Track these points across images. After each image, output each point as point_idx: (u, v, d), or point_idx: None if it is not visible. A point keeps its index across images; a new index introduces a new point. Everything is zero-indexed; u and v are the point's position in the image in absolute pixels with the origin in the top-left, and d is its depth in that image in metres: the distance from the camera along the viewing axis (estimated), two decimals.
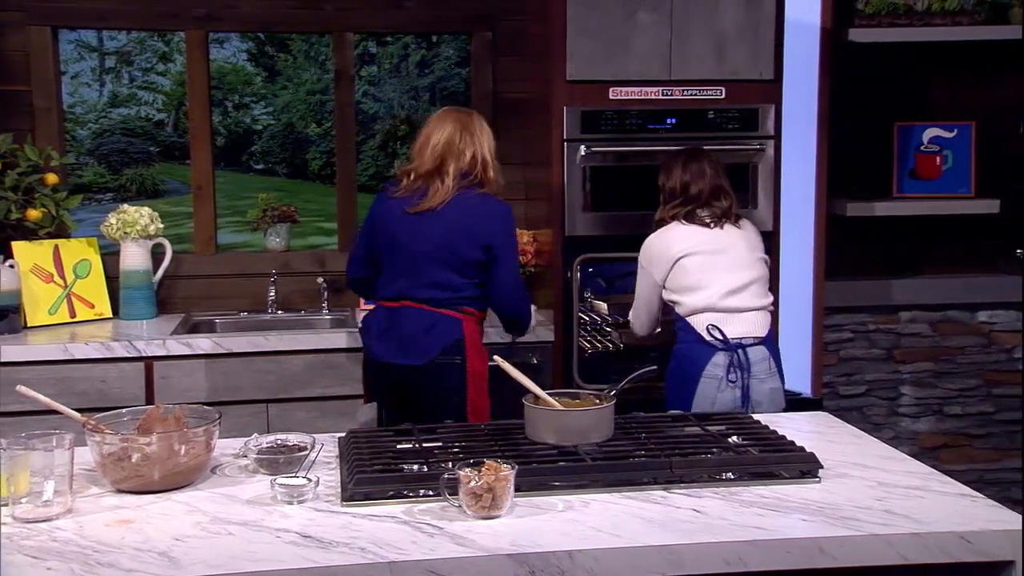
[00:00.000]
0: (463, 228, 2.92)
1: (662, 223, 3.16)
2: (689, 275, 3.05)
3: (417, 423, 2.39)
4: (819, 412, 2.78)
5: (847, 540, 1.79)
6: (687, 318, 3.04)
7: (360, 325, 3.15)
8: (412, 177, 2.99)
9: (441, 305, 2.93)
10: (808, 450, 2.13)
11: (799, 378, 3.67)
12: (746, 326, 3.01)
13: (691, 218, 3.10)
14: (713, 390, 2.94)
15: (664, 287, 3.11)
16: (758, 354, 3.00)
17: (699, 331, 3.00)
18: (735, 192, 3.18)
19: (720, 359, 2.96)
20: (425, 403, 2.91)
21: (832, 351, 4.24)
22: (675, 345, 3.09)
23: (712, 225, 3.09)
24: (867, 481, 2.07)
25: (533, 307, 3.40)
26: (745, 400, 2.95)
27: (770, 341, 3.07)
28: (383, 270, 3.02)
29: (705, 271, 3.04)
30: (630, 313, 3.28)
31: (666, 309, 3.16)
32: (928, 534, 1.81)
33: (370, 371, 3.11)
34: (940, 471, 2.15)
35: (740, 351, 2.96)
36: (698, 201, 3.10)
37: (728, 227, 3.11)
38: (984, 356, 4.33)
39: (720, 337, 2.97)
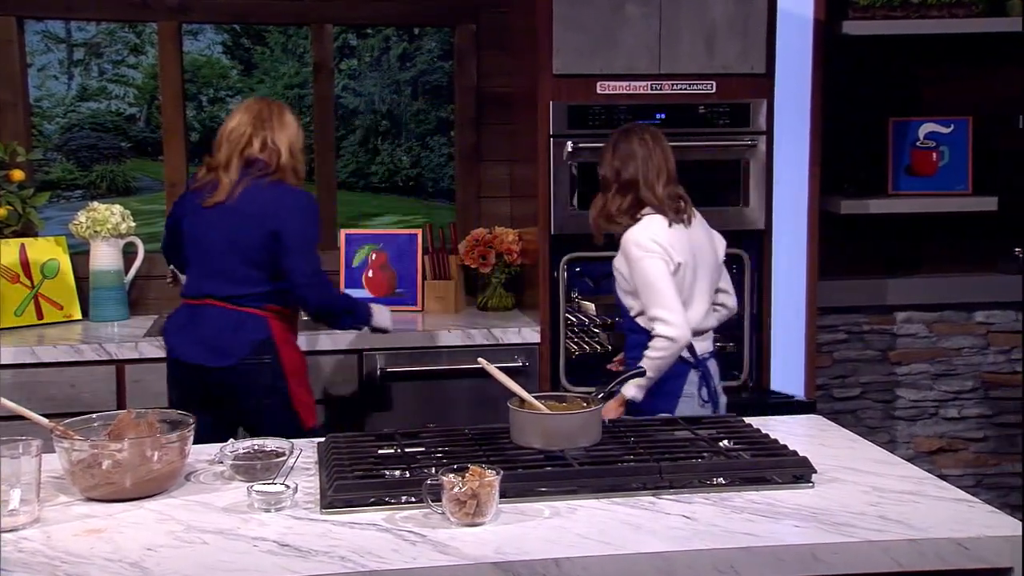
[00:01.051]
0: (250, 218, 2.88)
1: (616, 221, 2.89)
2: (681, 291, 2.84)
3: (238, 424, 2.38)
4: (812, 415, 2.78)
5: (841, 547, 1.77)
6: None
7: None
8: (206, 169, 3.00)
9: (244, 303, 2.90)
10: (801, 454, 2.10)
11: (792, 380, 3.65)
12: (707, 341, 2.95)
13: (664, 212, 2.86)
14: (690, 410, 2.85)
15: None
16: (714, 366, 2.96)
17: None
18: (688, 186, 2.98)
19: (693, 376, 2.87)
20: (242, 403, 2.90)
21: (826, 352, 4.21)
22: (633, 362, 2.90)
23: (686, 222, 2.89)
24: (861, 486, 2.05)
25: (520, 310, 3.37)
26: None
27: (716, 352, 3.01)
28: (188, 266, 3.03)
29: (692, 286, 2.88)
30: (663, 325, 2.76)
31: (619, 312, 2.97)
32: (924, 540, 1.79)
33: (175, 373, 3.00)
34: (936, 475, 2.14)
35: (704, 366, 2.90)
36: (635, 188, 2.85)
37: (695, 221, 2.92)
38: (981, 357, 4.31)
39: (692, 353, 2.87)
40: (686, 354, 2.86)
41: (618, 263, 2.92)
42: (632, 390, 2.77)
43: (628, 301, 2.90)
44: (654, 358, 2.77)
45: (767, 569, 1.75)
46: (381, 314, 3.16)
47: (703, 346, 2.92)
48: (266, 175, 2.92)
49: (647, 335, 2.81)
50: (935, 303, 4.27)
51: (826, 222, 3.80)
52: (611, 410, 2.67)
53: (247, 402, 2.89)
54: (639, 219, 2.87)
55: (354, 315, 3.08)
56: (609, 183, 2.91)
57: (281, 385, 2.90)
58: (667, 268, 2.78)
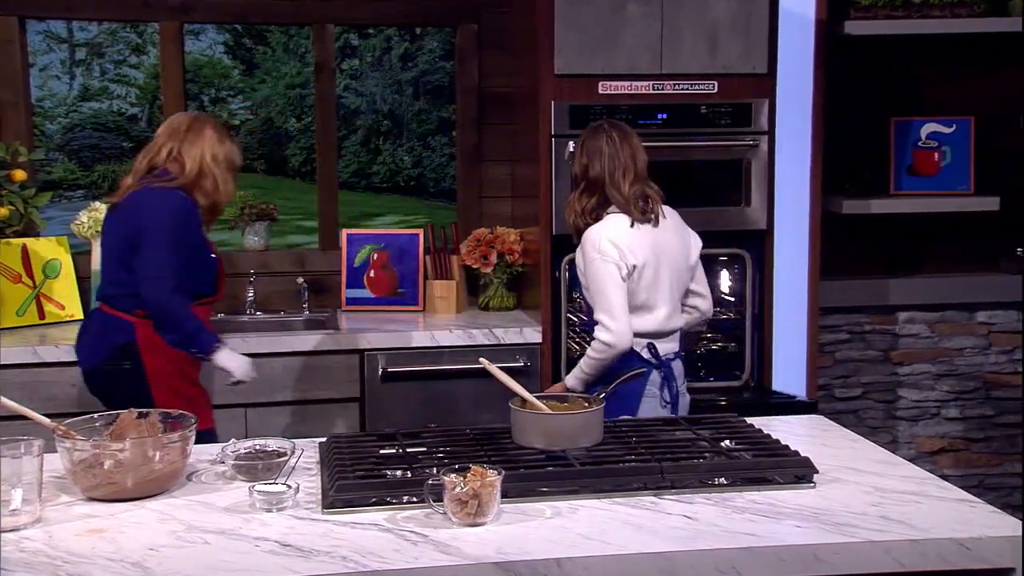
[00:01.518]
0: (122, 221, 2.91)
1: (583, 220, 2.85)
2: (640, 292, 2.82)
3: None
4: (814, 415, 2.77)
5: (843, 547, 1.77)
6: None
7: None
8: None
9: (115, 305, 2.92)
10: (803, 454, 2.10)
11: (793, 380, 3.64)
12: (673, 343, 2.92)
13: (628, 211, 2.81)
14: (652, 410, 2.83)
15: None
16: (678, 368, 2.93)
17: (636, 348, 2.83)
18: (659, 183, 2.93)
19: (655, 377, 2.85)
20: (110, 407, 2.79)
21: (827, 352, 4.20)
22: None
23: (651, 221, 2.82)
24: (863, 486, 2.04)
25: (522, 310, 3.36)
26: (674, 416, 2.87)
27: (683, 353, 2.98)
28: None
29: (654, 288, 2.83)
30: (602, 330, 2.77)
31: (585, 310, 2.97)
32: (926, 541, 1.78)
33: None
34: (938, 476, 2.13)
35: (668, 367, 2.88)
36: (601, 186, 2.82)
37: (660, 224, 2.85)
38: (983, 357, 4.30)
39: (655, 354, 2.85)
40: (648, 355, 2.84)
41: (577, 260, 2.91)
42: (572, 380, 2.86)
43: (589, 297, 2.88)
44: (592, 358, 2.81)
45: (769, 569, 1.74)
46: (231, 358, 2.94)
47: (667, 347, 2.89)
48: (165, 182, 2.91)
49: None
50: (937, 303, 4.25)
51: (828, 222, 3.79)
52: (553, 393, 2.75)
53: (113, 406, 2.75)
54: (601, 218, 2.84)
55: (193, 339, 2.88)
56: (577, 181, 2.90)
57: (143, 393, 2.83)
58: (618, 273, 2.76)
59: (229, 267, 4.00)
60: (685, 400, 2.96)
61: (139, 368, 2.87)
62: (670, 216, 2.92)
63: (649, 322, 2.84)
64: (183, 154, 2.93)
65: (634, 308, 2.81)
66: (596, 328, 2.79)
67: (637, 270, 2.79)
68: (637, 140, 2.89)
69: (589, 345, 2.83)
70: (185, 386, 2.93)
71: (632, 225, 2.81)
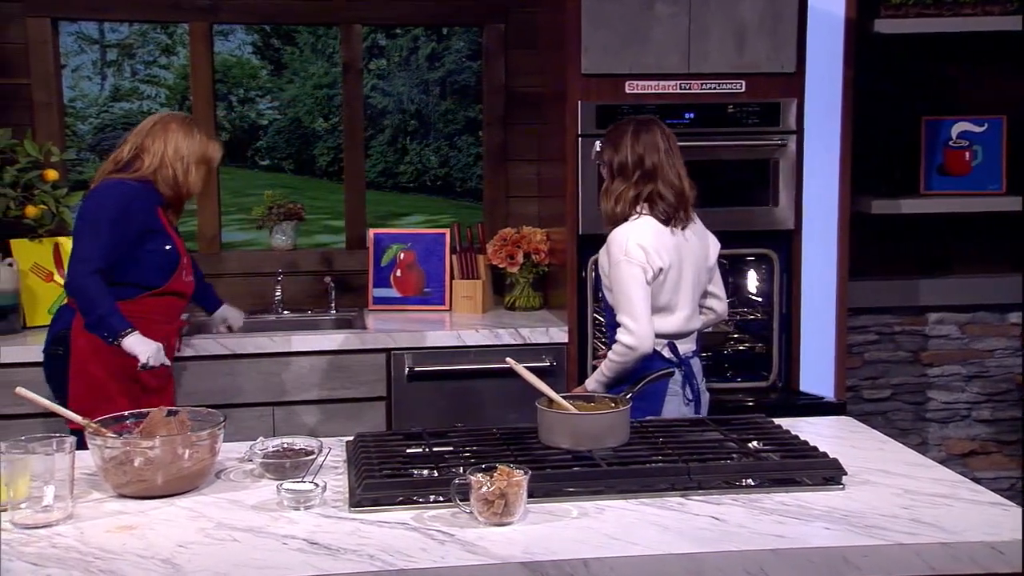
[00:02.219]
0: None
1: (620, 209, 2.82)
2: (663, 294, 2.82)
3: None
4: (842, 417, 2.74)
5: (872, 550, 1.75)
6: None
7: None
8: None
9: (68, 292, 3.02)
10: (831, 456, 2.08)
11: (821, 381, 3.62)
12: (691, 342, 2.92)
13: (660, 213, 2.80)
14: (676, 408, 2.83)
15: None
16: (697, 366, 2.93)
17: (657, 348, 2.81)
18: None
19: (677, 375, 2.84)
20: (57, 395, 2.95)
21: (856, 353, 4.17)
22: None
23: (678, 228, 2.84)
24: (893, 488, 2.02)
25: (548, 310, 3.35)
26: (697, 413, 2.89)
27: (699, 351, 2.99)
28: None
29: (676, 289, 2.83)
30: (625, 333, 2.75)
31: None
32: (957, 544, 1.77)
33: None
34: (969, 478, 2.11)
35: (687, 365, 2.88)
36: (653, 179, 2.80)
37: (689, 228, 2.87)
38: (1015, 359, 4.25)
39: (675, 353, 2.85)
40: (669, 354, 2.84)
41: (601, 260, 2.88)
42: (592, 384, 2.86)
43: (612, 298, 2.86)
44: (614, 361, 2.80)
45: (797, 571, 1.73)
46: (139, 343, 2.89)
47: (686, 347, 2.89)
48: (125, 175, 3.02)
49: None
50: (968, 304, 4.21)
51: (857, 222, 3.76)
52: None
53: (50, 392, 2.95)
54: (629, 217, 2.82)
55: (103, 322, 2.88)
56: (628, 170, 2.83)
57: (65, 382, 2.96)
58: (643, 276, 2.74)
59: (257, 267, 4.05)
60: (706, 397, 2.96)
61: (66, 356, 2.97)
62: (694, 220, 2.92)
63: (670, 323, 2.84)
64: (144, 149, 3.03)
65: (656, 309, 2.80)
66: (618, 331, 2.78)
67: (663, 272, 2.78)
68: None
69: (610, 348, 2.83)
70: (102, 378, 2.94)
71: (663, 229, 2.80)
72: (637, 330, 2.73)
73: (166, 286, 3.05)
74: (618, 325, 2.80)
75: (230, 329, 3.52)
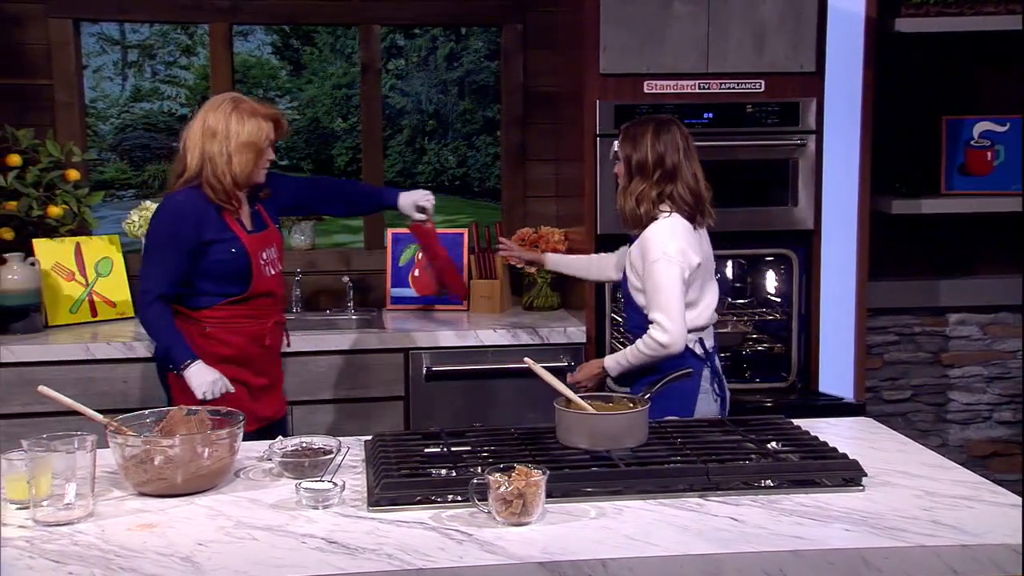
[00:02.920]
0: None
1: (644, 208, 2.82)
2: (693, 290, 2.84)
3: None
4: (862, 418, 2.72)
5: (892, 551, 1.74)
6: None
7: None
8: None
9: None
10: (851, 457, 2.08)
11: (841, 382, 3.60)
12: (712, 337, 2.93)
13: (684, 211, 2.81)
14: (708, 406, 2.83)
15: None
16: (719, 362, 2.95)
17: (690, 345, 2.82)
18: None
19: (706, 372, 2.85)
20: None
21: (876, 354, 4.15)
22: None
23: (699, 227, 2.86)
24: (913, 490, 2.01)
25: (566, 310, 3.35)
26: (724, 409, 2.90)
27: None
28: None
29: (702, 285, 2.86)
30: (659, 331, 2.73)
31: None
32: (978, 546, 1.76)
33: None
34: (991, 480, 2.09)
35: (711, 360, 2.88)
36: (673, 179, 2.80)
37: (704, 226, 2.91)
38: None
39: (705, 351, 2.86)
40: (700, 351, 2.85)
41: (633, 258, 2.85)
42: (611, 363, 2.88)
43: (641, 299, 2.85)
44: (643, 353, 2.78)
45: (816, 573, 1.72)
46: (196, 375, 2.76)
47: (711, 342, 2.92)
48: (181, 184, 2.81)
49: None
50: (989, 305, 4.18)
51: (877, 222, 3.74)
52: (589, 370, 2.92)
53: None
54: (657, 216, 2.81)
55: (168, 354, 2.80)
56: (648, 169, 2.82)
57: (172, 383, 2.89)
58: (681, 275, 2.74)
59: None
60: (728, 395, 2.97)
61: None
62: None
63: (700, 315, 2.85)
64: (185, 148, 2.81)
65: (687, 304, 2.80)
66: (652, 327, 2.75)
67: (695, 271, 2.79)
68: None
69: (641, 339, 2.79)
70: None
71: (692, 226, 2.82)
72: (672, 329, 2.72)
73: (249, 291, 2.85)
74: (645, 323, 2.79)
75: (423, 211, 3.16)
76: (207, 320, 2.83)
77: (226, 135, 2.77)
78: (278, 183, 3.05)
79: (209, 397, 2.74)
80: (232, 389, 2.80)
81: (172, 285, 2.79)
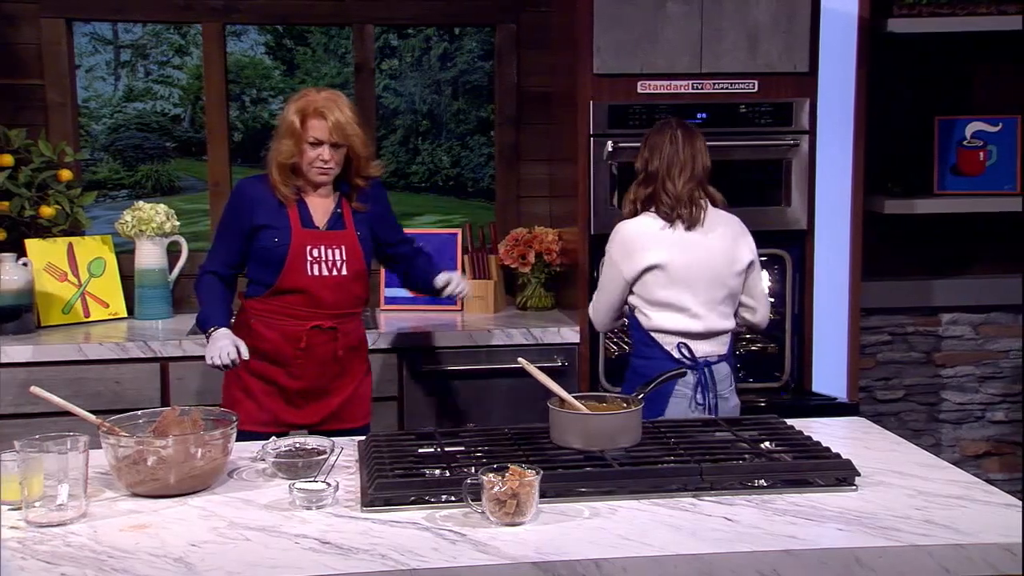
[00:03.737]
0: None
1: (627, 210, 2.93)
2: (660, 289, 2.82)
3: None
4: (855, 417, 2.73)
5: (885, 551, 1.75)
6: (652, 333, 2.85)
7: None
8: None
9: None
10: (844, 457, 2.08)
11: (834, 382, 3.61)
12: (713, 345, 2.87)
13: (662, 212, 2.84)
14: (683, 410, 2.80)
15: (631, 291, 2.89)
16: (722, 371, 2.88)
17: (666, 347, 2.82)
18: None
19: (689, 378, 2.80)
20: None
21: (869, 354, 4.16)
22: (634, 359, 2.91)
23: (688, 227, 2.83)
24: (906, 490, 2.02)
25: (560, 310, 3.33)
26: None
27: (731, 357, 2.93)
28: None
29: (679, 286, 2.81)
30: (590, 305, 3.05)
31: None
32: (971, 545, 1.76)
33: None
34: (983, 480, 2.10)
35: (707, 370, 2.83)
36: (655, 181, 2.84)
37: (706, 227, 2.85)
38: None
39: (689, 356, 2.82)
40: (679, 355, 2.81)
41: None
42: None
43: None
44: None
45: (810, 572, 1.73)
46: (214, 342, 2.76)
47: (705, 349, 2.84)
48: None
49: (646, 334, 2.87)
50: (982, 305, 4.19)
51: (870, 222, 3.74)
52: None
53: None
54: (639, 215, 2.90)
55: (199, 320, 2.88)
56: (638, 174, 2.93)
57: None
58: (618, 273, 2.87)
59: None
60: (729, 405, 2.89)
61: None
62: (724, 222, 2.90)
63: (673, 320, 2.82)
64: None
65: (654, 304, 2.83)
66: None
67: (656, 269, 2.81)
68: (702, 143, 2.89)
69: (631, 347, 2.87)
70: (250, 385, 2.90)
71: (664, 227, 2.83)
72: (591, 308, 3.03)
73: (277, 283, 2.84)
74: (637, 324, 2.86)
75: (455, 298, 3.13)
76: (251, 310, 2.90)
77: (279, 123, 2.88)
78: (383, 218, 3.04)
79: (218, 363, 2.71)
80: (246, 356, 2.74)
81: (224, 266, 2.91)
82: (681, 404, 2.81)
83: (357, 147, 2.87)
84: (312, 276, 2.84)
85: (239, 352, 2.73)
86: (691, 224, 2.84)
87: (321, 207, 2.90)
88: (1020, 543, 1.76)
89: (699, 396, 2.82)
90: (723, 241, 2.87)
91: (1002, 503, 1.94)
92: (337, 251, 2.87)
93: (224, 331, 2.78)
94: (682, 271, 2.82)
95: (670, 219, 2.83)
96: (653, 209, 2.86)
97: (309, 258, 2.84)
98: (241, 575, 1.65)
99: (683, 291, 2.82)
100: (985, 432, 4.26)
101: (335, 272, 2.87)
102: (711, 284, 2.85)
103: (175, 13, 3.95)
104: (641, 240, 2.83)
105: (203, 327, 2.84)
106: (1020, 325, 4.22)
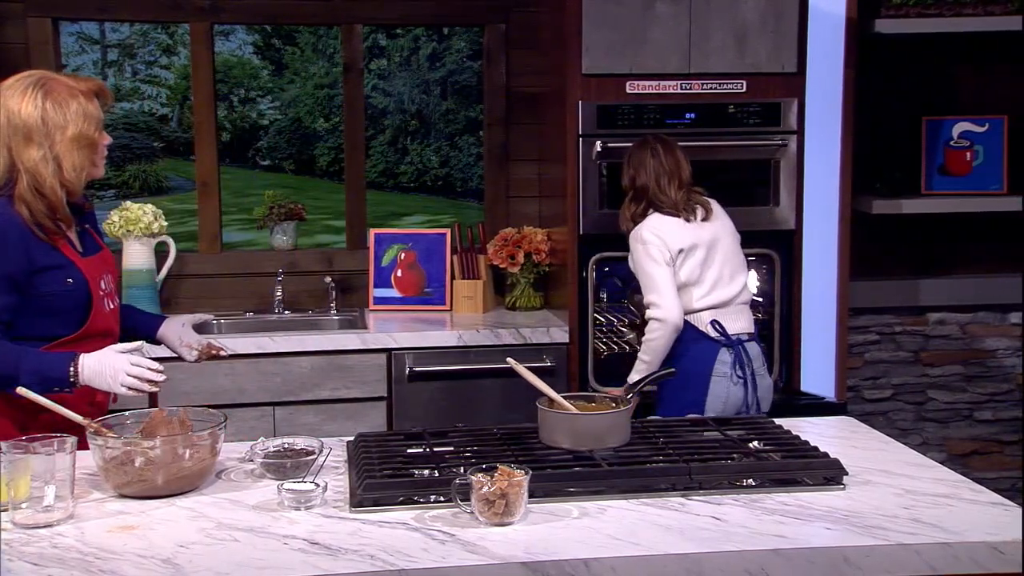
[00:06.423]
0: None
1: (627, 225, 3.14)
2: (686, 270, 3.03)
3: None
4: (843, 417, 2.73)
5: (873, 550, 1.75)
6: (686, 315, 3.02)
7: None
8: None
9: None
10: (832, 456, 2.08)
11: (822, 381, 3.62)
12: (742, 322, 3.06)
13: (667, 213, 3.08)
14: (725, 388, 2.96)
15: None
16: (755, 350, 3.06)
17: (700, 328, 3.00)
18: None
19: (726, 356, 2.98)
20: None
21: (857, 354, 4.17)
22: (678, 360, 3.02)
23: (694, 217, 3.08)
24: (894, 489, 2.02)
25: (549, 310, 3.34)
26: (753, 396, 2.98)
27: (759, 337, 3.13)
28: None
29: (702, 266, 3.04)
30: (653, 308, 2.97)
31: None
32: (958, 544, 1.76)
33: None
34: (970, 479, 2.10)
35: (741, 347, 2.99)
36: (647, 194, 3.09)
37: (709, 219, 3.11)
38: (1016, 359, 4.25)
39: (723, 332, 2.98)
40: (714, 333, 2.97)
41: (630, 263, 3.13)
42: (634, 375, 2.99)
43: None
44: (648, 340, 2.98)
45: (798, 571, 1.73)
46: (94, 369, 2.15)
47: (736, 325, 3.03)
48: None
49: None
50: (969, 304, 4.21)
51: (858, 222, 3.76)
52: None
53: None
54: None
55: (44, 375, 2.12)
56: (626, 191, 3.14)
57: None
58: (660, 256, 2.98)
59: (257, 266, 4.04)
60: (766, 383, 3.08)
61: None
62: (717, 210, 3.15)
63: (705, 296, 3.01)
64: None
65: (683, 285, 3.00)
66: (649, 310, 2.98)
67: (683, 254, 2.99)
68: (681, 152, 3.11)
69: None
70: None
71: (681, 221, 3.05)
72: (662, 303, 2.95)
73: (82, 331, 2.25)
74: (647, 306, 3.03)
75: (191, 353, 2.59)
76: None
77: (46, 132, 2.16)
78: None
79: (146, 386, 2.16)
80: (161, 368, 2.19)
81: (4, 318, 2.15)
82: (722, 382, 2.96)
83: None
84: (107, 312, 2.33)
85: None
86: (692, 216, 3.06)
87: (72, 230, 2.30)
88: (1007, 541, 1.76)
89: (738, 371, 2.96)
90: (722, 224, 3.13)
91: (989, 502, 1.94)
92: (108, 278, 2.37)
93: (90, 355, 2.15)
94: (706, 253, 3.03)
95: (674, 214, 3.05)
96: (656, 212, 3.07)
97: (101, 293, 2.30)
98: (229, 575, 1.64)
99: (706, 270, 3.03)
100: (972, 431, 4.28)
101: (115, 303, 2.39)
102: (729, 261, 3.08)
103: (162, 12, 3.94)
104: (664, 228, 3.02)
105: (60, 374, 2.13)
106: (1007, 325, 4.24)
